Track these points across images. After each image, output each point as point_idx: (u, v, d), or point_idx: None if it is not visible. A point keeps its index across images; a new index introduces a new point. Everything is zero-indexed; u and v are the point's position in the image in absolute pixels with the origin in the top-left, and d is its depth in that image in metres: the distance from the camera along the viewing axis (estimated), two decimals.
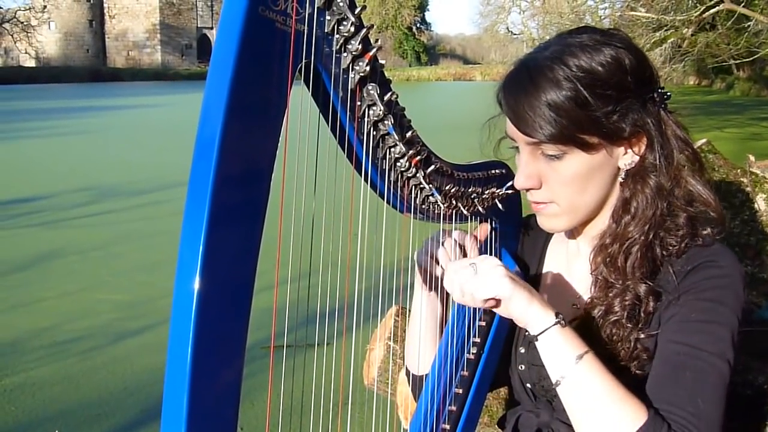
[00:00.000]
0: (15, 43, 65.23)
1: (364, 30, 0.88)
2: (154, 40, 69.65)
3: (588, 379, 0.97)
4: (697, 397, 0.97)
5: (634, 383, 1.03)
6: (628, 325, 1.07)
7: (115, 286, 6.34)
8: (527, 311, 1.00)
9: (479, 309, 1.22)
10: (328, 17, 0.86)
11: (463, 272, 1.02)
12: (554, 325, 0.99)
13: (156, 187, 10.86)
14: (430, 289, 1.19)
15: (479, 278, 1.01)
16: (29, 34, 64.51)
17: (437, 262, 1.18)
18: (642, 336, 1.07)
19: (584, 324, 1.10)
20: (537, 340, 1.01)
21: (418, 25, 75.13)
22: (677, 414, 0.96)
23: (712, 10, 15.72)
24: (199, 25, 71.43)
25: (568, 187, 1.08)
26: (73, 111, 27.90)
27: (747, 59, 18.52)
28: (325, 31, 0.87)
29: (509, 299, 1.00)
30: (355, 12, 0.87)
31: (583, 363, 0.98)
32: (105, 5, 69.67)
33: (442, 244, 1.18)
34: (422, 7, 74.48)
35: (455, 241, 1.19)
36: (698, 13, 15.75)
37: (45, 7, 66.90)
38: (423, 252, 1.20)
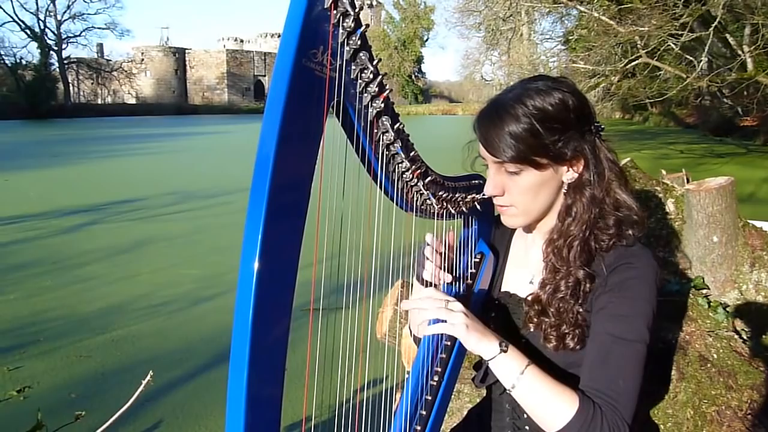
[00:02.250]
0: (121, 86, 65.36)
1: (380, 77, 0.87)
2: (222, 84, 69.47)
3: (531, 384, 0.97)
4: (618, 378, 0.96)
5: (580, 343, 1.03)
6: (571, 300, 1.05)
7: (194, 264, 6.36)
8: (478, 346, 0.99)
9: (462, 288, 1.21)
10: (353, 67, 0.86)
11: (435, 309, 0.99)
12: (499, 353, 0.98)
13: (224, 192, 10.86)
14: (422, 283, 1.18)
15: (448, 322, 0.99)
16: (131, 80, 64.61)
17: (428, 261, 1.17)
18: (581, 309, 1.05)
19: (538, 299, 1.08)
20: (489, 363, 0.99)
21: (416, 73, 74.87)
22: (603, 393, 0.96)
23: (633, 63, 15.69)
24: (255, 74, 71.21)
25: (523, 196, 1.07)
26: (162, 136, 27.94)
27: (659, 99, 18.42)
28: (351, 77, 0.86)
29: (465, 341, 0.99)
30: (373, 63, 0.86)
31: (526, 374, 0.97)
32: (186, 58, 69.52)
33: (432, 248, 1.16)
34: (419, 61, 74.25)
35: (442, 242, 1.17)
36: (623, 65, 15.71)
37: (143, 60, 67.04)
38: (419, 257, 1.18)
